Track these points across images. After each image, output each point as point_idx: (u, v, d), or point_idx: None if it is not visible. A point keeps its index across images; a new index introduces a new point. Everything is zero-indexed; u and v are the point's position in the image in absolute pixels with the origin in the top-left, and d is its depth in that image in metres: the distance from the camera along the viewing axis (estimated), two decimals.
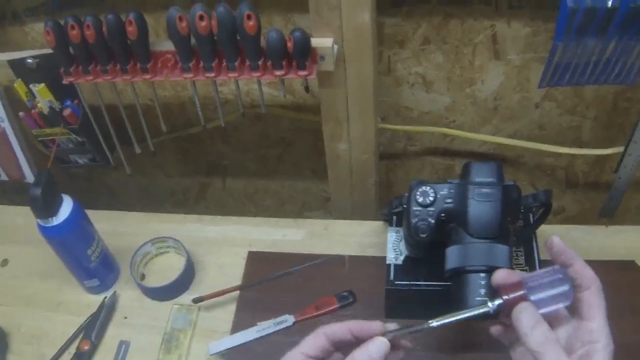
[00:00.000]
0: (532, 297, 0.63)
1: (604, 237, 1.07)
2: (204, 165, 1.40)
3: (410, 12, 1.01)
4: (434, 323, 0.67)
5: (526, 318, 0.61)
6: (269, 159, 1.36)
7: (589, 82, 1.00)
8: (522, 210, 0.98)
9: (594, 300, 0.62)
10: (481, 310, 0.65)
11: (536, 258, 0.94)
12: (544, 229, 1.06)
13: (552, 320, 0.64)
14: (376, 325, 0.67)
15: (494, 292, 0.67)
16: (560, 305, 0.63)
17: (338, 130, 1.08)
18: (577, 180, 1.29)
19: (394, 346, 0.67)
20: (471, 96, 1.13)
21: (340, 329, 0.69)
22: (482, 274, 0.79)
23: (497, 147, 1.22)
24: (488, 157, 1.23)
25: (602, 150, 1.15)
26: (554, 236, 0.65)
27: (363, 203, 1.22)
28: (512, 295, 0.63)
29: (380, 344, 0.65)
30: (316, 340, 0.70)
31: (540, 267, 0.91)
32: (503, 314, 0.64)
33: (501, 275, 0.67)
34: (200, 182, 1.46)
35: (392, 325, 0.68)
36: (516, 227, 0.96)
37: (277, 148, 1.32)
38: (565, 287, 0.62)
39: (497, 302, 0.64)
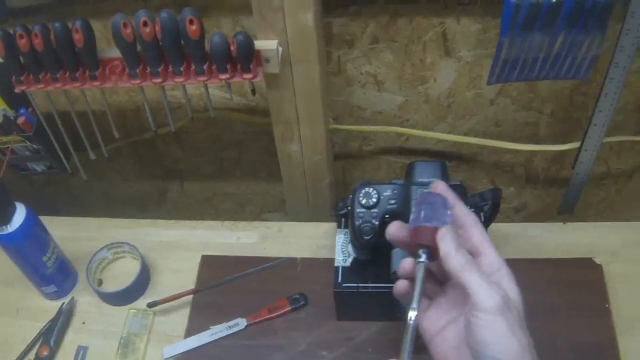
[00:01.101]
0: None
1: (562, 234, 1.09)
2: (161, 169, 1.41)
3: (357, 12, 1.02)
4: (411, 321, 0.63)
5: (448, 240, 0.62)
6: (225, 162, 1.37)
7: (540, 78, 1.01)
8: (472, 208, 0.98)
9: (483, 237, 0.66)
10: (422, 270, 0.63)
11: None
12: (500, 228, 1.07)
13: None
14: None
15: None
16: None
17: (288, 132, 1.10)
18: (537, 177, 1.30)
19: None
20: (424, 94, 1.13)
21: None
22: None
23: (453, 145, 1.22)
24: (445, 156, 1.25)
25: (560, 146, 1.16)
26: (438, 181, 0.71)
27: (319, 204, 1.24)
28: (434, 241, 0.63)
29: None
30: None
31: None
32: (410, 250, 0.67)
33: (393, 230, 0.68)
34: (158, 187, 1.47)
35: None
36: None
37: (232, 151, 1.33)
38: (444, 208, 0.66)
39: (422, 251, 0.64)
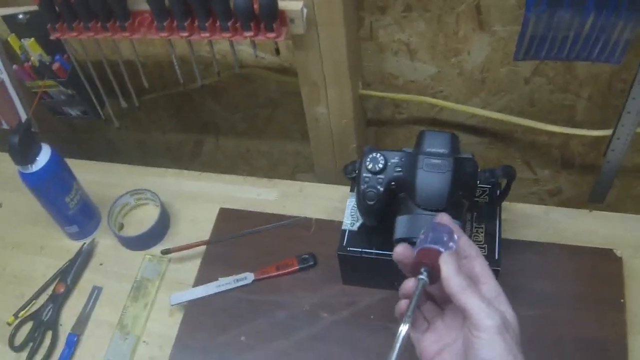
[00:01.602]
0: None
1: (585, 222, 1.07)
2: (197, 123, 1.47)
3: None
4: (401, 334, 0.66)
5: (448, 266, 0.65)
6: (259, 120, 1.41)
7: (571, 58, 1.00)
8: (488, 184, 0.99)
9: (483, 268, 0.69)
10: (420, 285, 0.67)
11: (497, 236, 0.93)
12: (522, 208, 1.07)
13: None
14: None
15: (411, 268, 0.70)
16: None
17: (315, 94, 1.13)
18: (573, 162, 1.28)
19: None
20: (457, 67, 1.14)
21: None
22: None
23: (486, 120, 1.22)
24: (478, 131, 1.24)
25: (593, 132, 1.14)
26: (442, 214, 0.74)
27: None
28: (435, 262, 0.67)
29: None
30: None
31: (500, 245, 0.92)
32: (411, 272, 0.69)
33: (400, 251, 0.71)
34: (194, 140, 1.53)
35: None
36: (479, 201, 0.98)
37: (266, 109, 1.37)
38: (450, 238, 0.69)
39: (423, 269, 0.67)
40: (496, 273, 0.89)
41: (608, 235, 1.04)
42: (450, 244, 0.69)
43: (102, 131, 1.55)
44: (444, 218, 0.73)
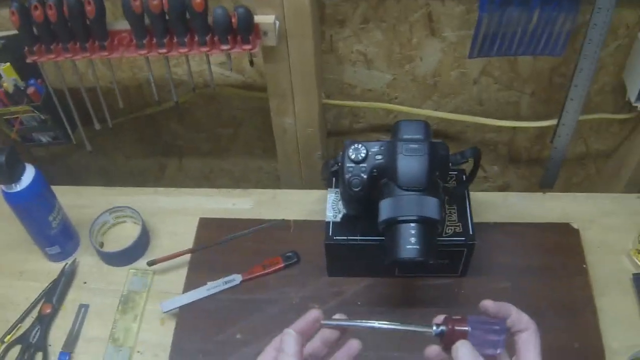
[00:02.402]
0: (471, 336, 0.72)
1: (541, 203, 1.24)
2: (160, 145, 1.56)
3: None
4: (377, 324, 0.74)
5: (464, 352, 0.70)
6: (222, 139, 1.52)
7: (518, 53, 1.16)
8: (454, 170, 1.13)
9: (530, 340, 0.73)
10: (424, 329, 0.74)
11: (468, 214, 1.07)
12: (481, 197, 1.22)
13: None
14: (313, 314, 0.75)
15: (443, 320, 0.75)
16: (490, 352, 0.72)
17: (283, 105, 1.25)
18: (520, 156, 1.46)
19: (345, 332, 0.76)
20: (411, 73, 1.28)
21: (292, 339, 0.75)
22: (413, 224, 0.93)
23: (439, 122, 1.37)
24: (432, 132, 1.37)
25: (539, 123, 1.31)
26: (484, 301, 0.77)
27: (311, 176, 1.39)
28: (457, 328, 0.72)
29: (287, 338, 0.72)
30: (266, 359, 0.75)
31: (472, 222, 1.06)
32: (442, 342, 0.74)
33: (433, 353, 0.75)
34: (157, 163, 1.62)
35: (338, 316, 0.76)
36: (449, 187, 1.12)
37: (229, 127, 1.48)
38: (498, 337, 0.72)
39: (441, 328, 0.73)
40: (472, 247, 1.04)
41: (562, 212, 1.21)
42: (493, 346, 0.72)
43: (64, 161, 1.61)
44: (487, 304, 0.76)
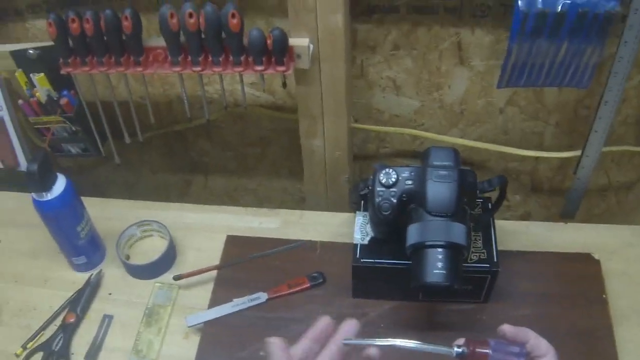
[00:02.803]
0: (491, 358, 0.75)
1: (563, 233, 1.25)
2: (187, 162, 1.58)
3: (381, 19, 1.20)
4: (399, 343, 0.77)
5: None
6: (249, 158, 1.54)
7: (545, 84, 1.18)
8: (480, 198, 1.15)
9: None
10: (444, 349, 0.76)
11: (493, 241, 1.09)
12: (505, 225, 1.24)
13: None
14: (325, 322, 0.81)
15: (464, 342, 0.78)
16: None
17: (313, 127, 1.27)
18: (542, 186, 1.48)
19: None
20: (439, 100, 1.31)
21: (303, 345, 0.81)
22: (440, 249, 0.95)
23: (464, 149, 1.39)
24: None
25: (563, 153, 1.33)
26: (503, 325, 0.80)
27: (336, 200, 1.41)
28: (477, 350, 0.75)
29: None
30: None
31: (497, 249, 1.08)
32: None
33: (506, 328, 0.80)
34: (183, 179, 1.64)
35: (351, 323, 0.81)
36: (475, 214, 1.13)
37: (256, 147, 1.50)
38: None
39: (462, 349, 0.76)
40: (496, 274, 1.06)
41: (584, 242, 1.22)
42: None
43: (89, 174, 1.63)
44: (505, 329, 0.80)
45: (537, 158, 1.40)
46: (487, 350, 0.75)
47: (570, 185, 1.34)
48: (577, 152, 1.29)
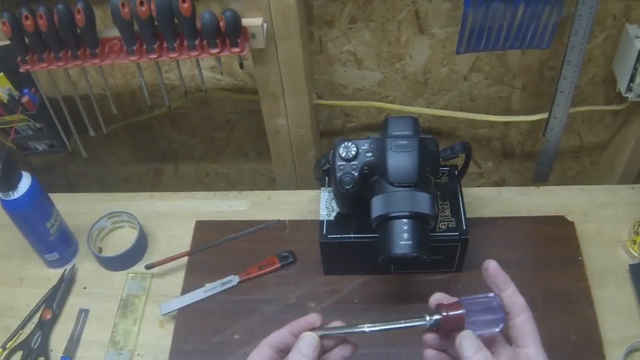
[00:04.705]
0: (467, 319, 0.73)
1: (535, 197, 1.25)
2: (156, 151, 1.58)
3: None
4: (368, 328, 0.75)
5: (468, 344, 0.71)
6: (216, 142, 1.54)
7: (506, 47, 1.18)
8: (445, 166, 1.15)
9: (526, 327, 0.72)
10: (418, 323, 0.74)
11: (461, 209, 1.09)
12: (476, 192, 1.24)
13: (491, 349, 0.73)
14: (312, 318, 0.76)
15: (435, 308, 0.76)
16: (491, 330, 0.73)
17: (275, 106, 1.27)
18: (513, 151, 1.48)
19: (343, 341, 0.77)
20: (401, 71, 1.31)
21: (281, 334, 0.77)
22: (405, 220, 0.95)
23: (431, 119, 1.40)
24: (424, 130, 1.38)
25: (530, 117, 1.33)
26: (490, 260, 0.77)
27: (305, 178, 1.42)
28: (450, 313, 0.73)
29: (308, 340, 0.74)
30: (260, 354, 0.77)
31: (465, 216, 1.08)
32: (440, 330, 0.75)
33: (438, 297, 0.77)
34: (154, 169, 1.65)
35: (336, 323, 0.77)
36: (441, 182, 1.14)
37: (222, 131, 1.50)
38: (496, 315, 0.73)
39: (435, 317, 0.74)
40: (466, 242, 1.06)
41: (557, 205, 1.22)
42: (493, 325, 0.73)
43: (60, 169, 1.64)
44: (490, 264, 0.76)
45: (506, 123, 1.40)
46: (460, 311, 0.73)
47: (541, 149, 1.33)
48: (545, 115, 1.28)
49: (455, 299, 0.76)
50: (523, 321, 0.72)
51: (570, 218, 1.19)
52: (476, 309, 0.73)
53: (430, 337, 0.76)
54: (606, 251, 1.15)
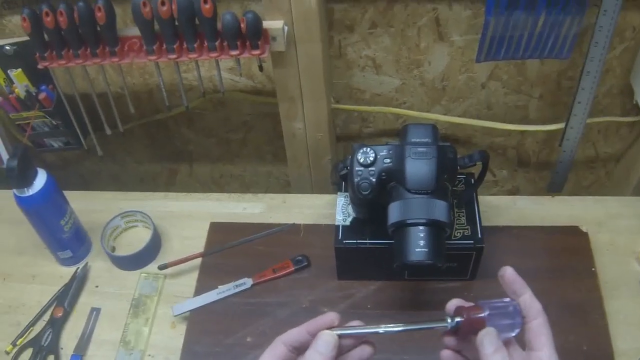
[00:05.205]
0: (488, 323, 0.73)
1: (550, 207, 1.25)
2: (171, 151, 1.58)
3: None
4: (388, 329, 0.75)
5: (489, 341, 0.70)
6: (232, 144, 1.54)
7: (525, 57, 1.18)
8: (462, 174, 1.14)
9: (541, 330, 0.73)
10: (439, 325, 0.75)
11: (477, 217, 1.08)
12: (491, 200, 1.23)
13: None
14: (330, 317, 0.76)
15: (455, 311, 0.76)
16: (507, 335, 0.73)
17: (293, 109, 1.27)
18: (529, 160, 1.47)
19: (362, 342, 0.77)
20: (419, 77, 1.30)
21: (297, 332, 0.76)
22: (421, 227, 0.95)
23: (448, 126, 1.39)
24: (441, 137, 1.38)
25: (548, 126, 1.32)
26: (507, 267, 0.78)
27: (321, 182, 1.41)
28: (473, 316, 0.73)
29: (326, 339, 0.73)
30: (275, 351, 0.75)
31: (481, 225, 1.07)
32: (460, 332, 0.75)
33: (455, 302, 0.78)
34: (168, 168, 1.65)
35: (355, 323, 0.77)
36: (458, 190, 1.13)
37: (239, 132, 1.50)
38: (512, 320, 0.73)
39: (457, 319, 0.74)
40: (480, 250, 1.05)
41: (571, 215, 1.22)
42: (510, 329, 0.73)
43: (75, 167, 1.64)
44: (507, 271, 0.77)
45: (522, 132, 1.39)
46: (482, 315, 0.73)
47: (557, 158, 1.32)
48: (562, 125, 1.28)
49: (473, 304, 0.76)
50: (539, 325, 0.73)
51: (584, 229, 1.18)
52: (494, 313, 0.73)
53: (449, 339, 0.76)
54: (619, 262, 1.15)
